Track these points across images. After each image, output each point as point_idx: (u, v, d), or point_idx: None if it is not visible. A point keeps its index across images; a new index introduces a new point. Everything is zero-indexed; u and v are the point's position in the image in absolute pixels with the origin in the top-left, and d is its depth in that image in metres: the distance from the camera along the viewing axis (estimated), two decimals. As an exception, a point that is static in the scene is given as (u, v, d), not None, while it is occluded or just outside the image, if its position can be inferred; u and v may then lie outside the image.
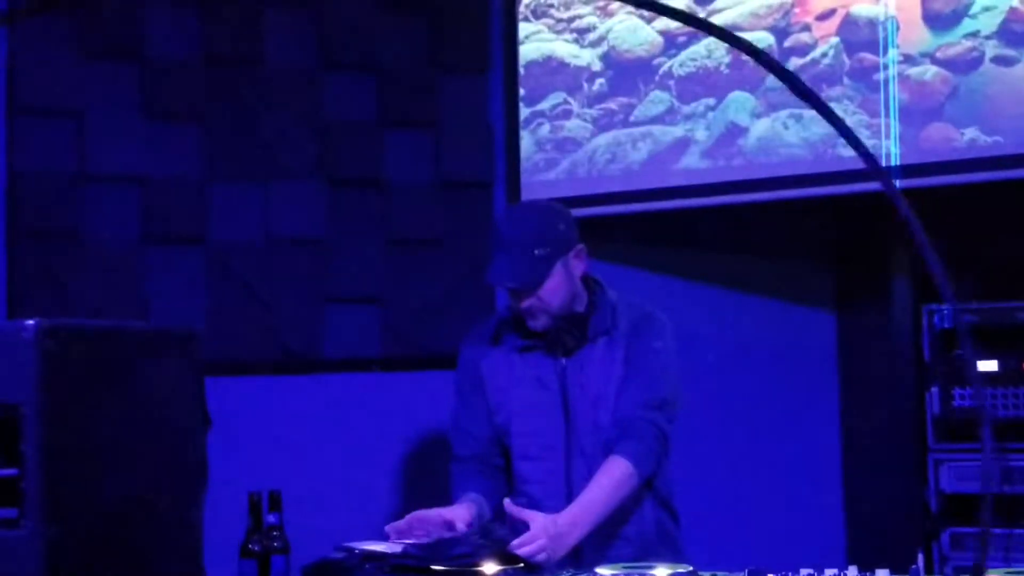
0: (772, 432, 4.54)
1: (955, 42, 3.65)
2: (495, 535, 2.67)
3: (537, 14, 4.24)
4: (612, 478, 2.87)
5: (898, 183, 3.72)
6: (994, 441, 3.97)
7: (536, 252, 2.97)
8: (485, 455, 3.11)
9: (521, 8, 4.25)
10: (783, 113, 3.87)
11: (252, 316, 3.92)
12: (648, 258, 4.38)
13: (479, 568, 2.56)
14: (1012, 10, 3.58)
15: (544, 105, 4.21)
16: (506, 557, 2.63)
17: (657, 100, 4.04)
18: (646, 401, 2.98)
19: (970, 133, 3.63)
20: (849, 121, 3.77)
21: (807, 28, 3.85)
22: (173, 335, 2.82)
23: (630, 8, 4.10)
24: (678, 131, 4.01)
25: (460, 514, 2.87)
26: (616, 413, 2.99)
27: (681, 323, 4.41)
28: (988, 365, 4.04)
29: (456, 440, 3.16)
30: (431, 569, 2.57)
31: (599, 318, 3.06)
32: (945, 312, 4.08)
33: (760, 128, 3.90)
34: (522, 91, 4.23)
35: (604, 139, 4.12)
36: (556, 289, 2.99)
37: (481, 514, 2.95)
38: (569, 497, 2.94)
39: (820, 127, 3.81)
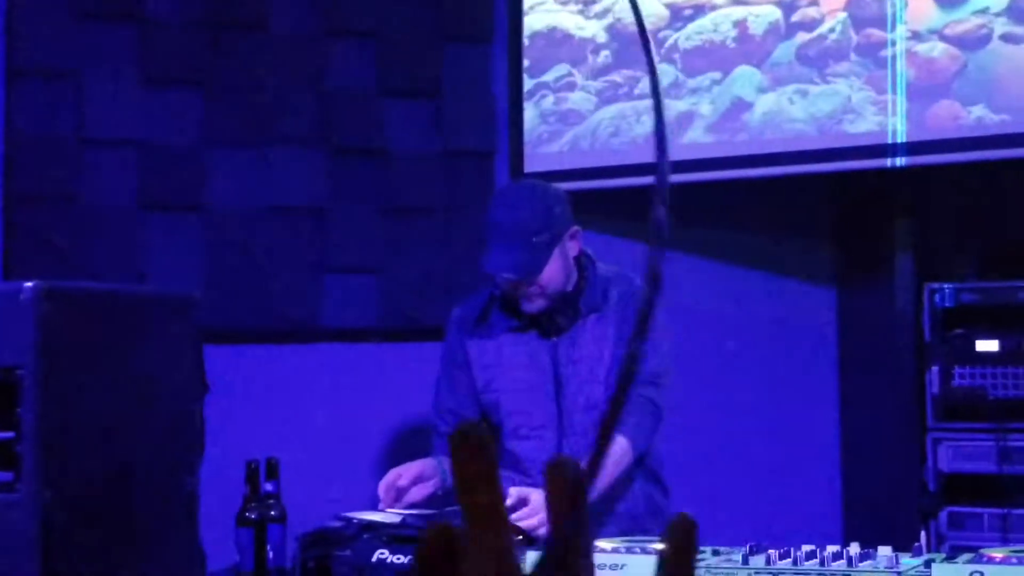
0: (771, 408, 4.52)
1: (964, 19, 3.62)
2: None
3: (542, -16, 4.20)
4: (608, 454, 2.85)
5: (904, 160, 3.70)
6: (994, 421, 3.97)
7: (534, 240, 2.94)
8: None
9: (526, -22, 4.21)
10: (789, 88, 3.84)
11: (250, 284, 3.89)
12: (648, 232, 4.35)
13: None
14: (1022, -13, 3.56)
15: (548, 77, 4.18)
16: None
17: (662, 73, 4.01)
18: (639, 376, 2.95)
19: (977, 111, 3.60)
20: (855, 97, 3.75)
21: (815, 2, 3.81)
22: (172, 300, 2.79)
23: (636, -21, 4.06)
24: (683, 105, 3.98)
25: (426, 470, 2.90)
26: (609, 388, 2.97)
27: (681, 297, 4.40)
28: (989, 344, 4.03)
29: (438, 416, 3.16)
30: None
31: (589, 294, 3.03)
32: (946, 290, 4.07)
33: (765, 103, 3.87)
34: (526, 62, 4.20)
35: (608, 112, 4.09)
36: (554, 274, 2.97)
37: (444, 474, 2.95)
38: (560, 475, 2.92)
39: (826, 103, 3.78)
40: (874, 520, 4.33)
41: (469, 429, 0.72)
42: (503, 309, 3.07)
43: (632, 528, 2.93)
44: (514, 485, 2.82)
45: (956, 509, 4.03)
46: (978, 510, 4.00)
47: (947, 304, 4.08)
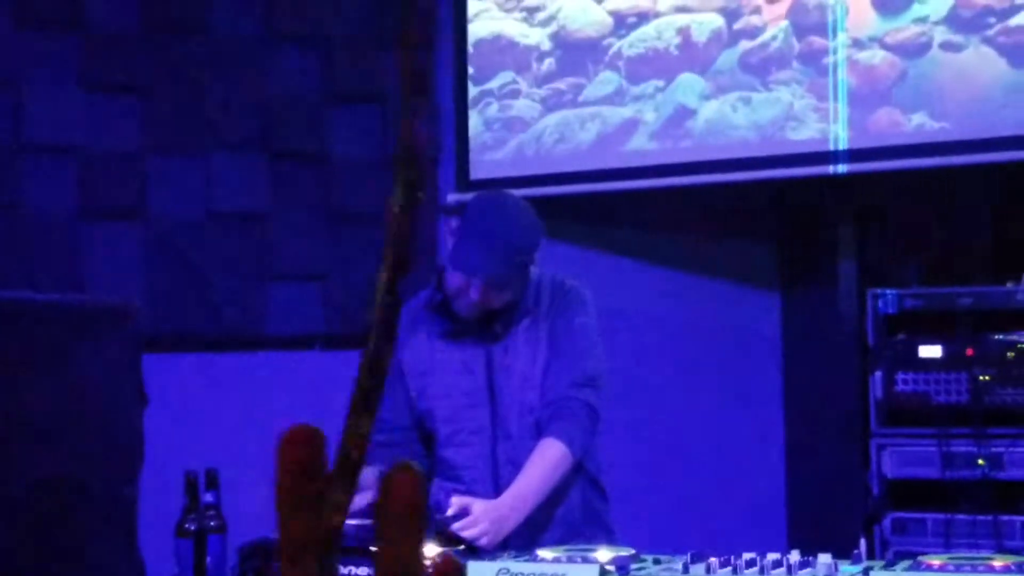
0: (716, 413, 4.53)
1: (904, 27, 3.65)
2: (436, 517, 2.64)
3: (486, -9, 4.20)
4: (547, 460, 2.84)
5: (845, 167, 3.72)
6: (937, 426, 3.99)
7: (516, 258, 2.94)
8: (402, 441, 3.08)
9: (470, -16, 4.21)
10: (732, 96, 3.85)
11: (192, 292, 3.86)
12: (595, 238, 4.36)
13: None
14: (962, -4, 3.58)
15: (493, 84, 4.17)
16: (446, 540, 2.60)
17: (606, 81, 4.01)
18: (574, 379, 2.94)
19: (917, 118, 3.63)
20: (797, 105, 3.77)
21: (757, 11, 3.83)
22: (109, 310, 2.76)
23: (580, -14, 4.07)
24: (627, 112, 3.98)
25: (364, 480, 2.87)
26: (545, 393, 2.96)
27: (626, 302, 4.41)
28: (931, 350, 4.05)
29: (375, 428, 3.12)
30: (367, 550, 2.54)
31: (523, 300, 3.03)
32: (889, 296, 4.09)
33: (709, 110, 3.88)
34: (471, 69, 4.19)
35: (552, 119, 4.09)
36: (515, 295, 2.97)
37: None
38: (496, 481, 2.91)
39: (768, 110, 3.80)
40: (819, 525, 4.36)
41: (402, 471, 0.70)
42: (438, 313, 3.05)
43: (570, 535, 2.92)
44: (447, 492, 2.81)
45: (900, 515, 4.05)
46: (921, 516, 4.02)
47: (890, 310, 4.10)
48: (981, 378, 3.97)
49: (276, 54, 3.97)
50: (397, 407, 3.09)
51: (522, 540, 2.83)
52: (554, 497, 2.96)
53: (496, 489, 2.86)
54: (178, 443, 3.53)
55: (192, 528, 2.72)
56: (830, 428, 4.38)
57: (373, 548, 0.73)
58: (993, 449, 3.92)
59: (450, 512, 2.67)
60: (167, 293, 3.84)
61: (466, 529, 2.64)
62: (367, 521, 2.71)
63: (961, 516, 3.93)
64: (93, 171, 3.78)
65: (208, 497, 2.76)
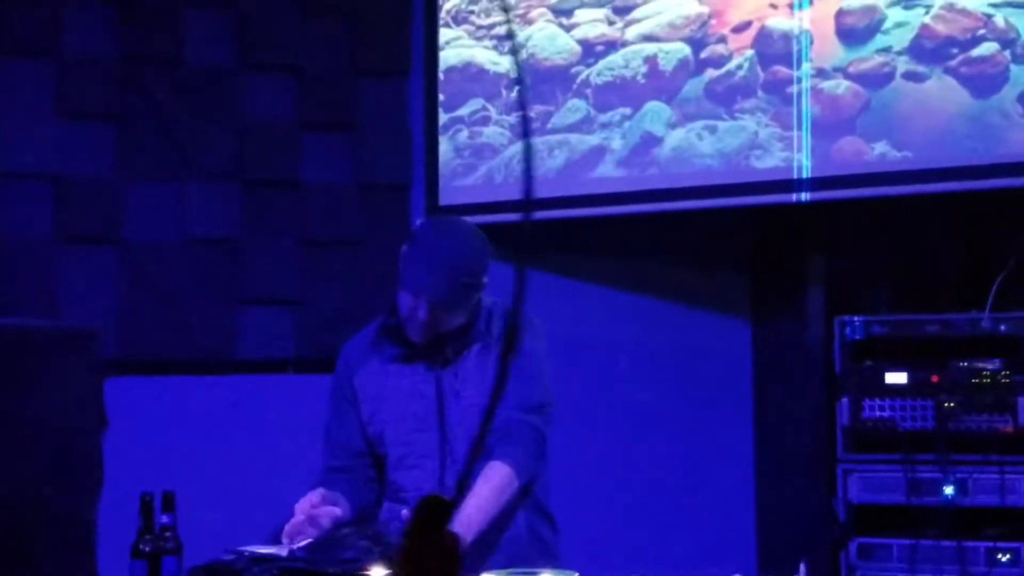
0: (686, 440, 4.56)
1: (867, 57, 3.69)
2: (384, 540, 2.68)
3: (458, 20, 4.25)
4: (493, 484, 2.87)
5: (808, 195, 3.76)
6: (903, 453, 4.02)
7: (463, 279, 2.98)
8: (355, 467, 3.13)
9: (442, 14, 4.25)
10: (697, 124, 3.89)
11: (165, 316, 3.90)
12: (562, 265, 4.40)
13: (367, 573, 2.57)
14: (924, 27, 3.63)
15: (463, 111, 4.22)
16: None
17: (574, 108, 4.06)
18: (522, 404, 2.98)
19: (880, 147, 3.67)
20: (762, 133, 3.81)
21: (723, 40, 3.88)
22: (70, 334, 2.80)
23: (550, 16, 4.12)
24: (594, 140, 4.03)
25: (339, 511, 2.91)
26: (492, 417, 2.99)
27: (595, 329, 4.45)
28: (898, 377, 4.08)
29: (327, 451, 3.18)
30: (319, 573, 2.58)
31: (475, 326, 3.07)
32: (856, 323, 4.13)
33: (675, 138, 3.93)
34: (441, 96, 4.24)
35: (521, 146, 4.14)
36: (461, 318, 3.01)
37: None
38: (441, 504, 2.94)
39: (734, 139, 3.84)
40: (787, 551, 4.38)
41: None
42: (391, 338, 3.09)
43: (515, 560, 2.95)
44: (396, 515, 2.84)
45: (866, 540, 4.08)
46: (887, 541, 4.04)
47: (857, 336, 4.13)
48: (947, 405, 4.00)
49: (249, 82, 4.02)
50: (350, 432, 3.14)
51: (468, 564, 2.86)
52: (500, 521, 2.99)
53: (444, 513, 2.90)
54: (152, 465, 3.57)
55: (147, 550, 2.76)
56: (799, 454, 4.41)
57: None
58: (958, 475, 3.95)
59: (403, 523, 2.70)
60: (141, 317, 3.88)
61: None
62: (317, 542, 2.76)
63: (926, 542, 3.96)
64: (68, 197, 3.82)
65: (165, 519, 2.80)
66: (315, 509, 2.92)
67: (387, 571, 2.59)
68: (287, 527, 2.92)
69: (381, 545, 2.64)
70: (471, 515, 2.84)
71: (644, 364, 4.51)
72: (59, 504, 2.63)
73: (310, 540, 2.76)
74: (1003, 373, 3.95)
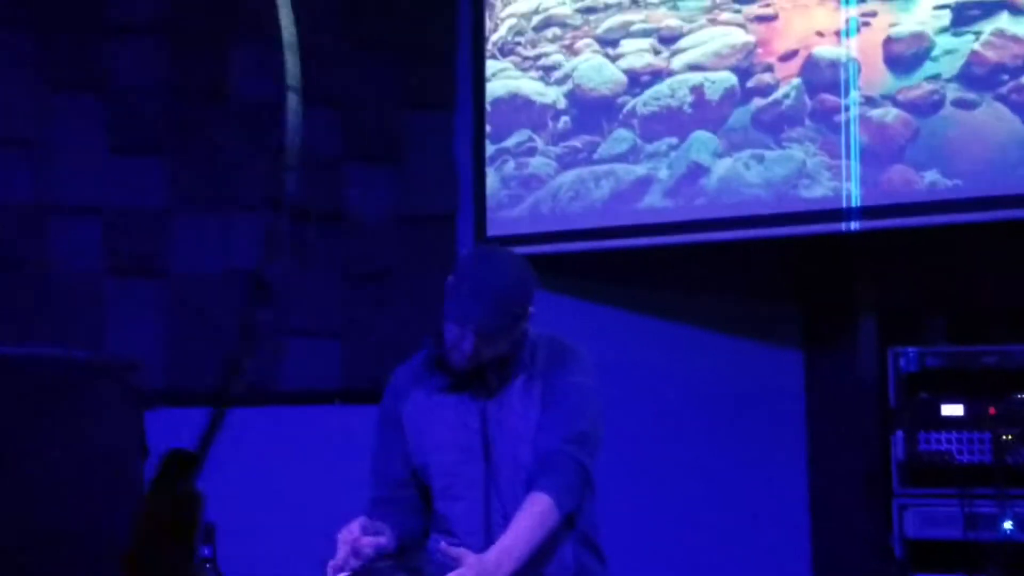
0: (739, 474, 4.51)
1: (916, 84, 3.65)
2: (422, 573, 2.65)
3: (504, 52, 4.25)
4: (533, 515, 2.83)
5: (858, 225, 3.71)
6: (959, 487, 3.94)
7: (508, 308, 2.96)
8: (402, 497, 3.10)
9: (488, 46, 4.26)
10: (745, 153, 3.86)
11: (211, 348, 3.91)
12: (615, 296, 4.37)
13: (404, 604, 2.54)
14: (973, 53, 3.58)
15: (509, 142, 4.21)
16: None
17: (620, 138, 4.04)
18: (564, 435, 2.94)
19: (930, 176, 3.62)
20: (810, 162, 3.77)
21: (770, 68, 3.84)
22: (110, 365, 2.82)
23: (596, 46, 4.11)
24: (641, 170, 4.01)
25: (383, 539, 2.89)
26: (535, 449, 2.96)
27: (646, 360, 4.41)
28: (954, 409, 4.01)
29: (374, 481, 3.16)
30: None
31: (520, 357, 3.04)
32: (911, 354, 4.06)
33: (722, 168, 3.89)
34: (488, 128, 4.24)
35: (568, 176, 4.12)
36: (505, 347, 2.99)
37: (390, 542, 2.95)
38: (487, 535, 2.90)
39: (781, 168, 3.81)
40: (844, 587, 4.32)
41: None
42: (435, 368, 3.08)
43: (561, 595, 2.92)
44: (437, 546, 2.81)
45: (922, 576, 4.01)
46: (944, 577, 3.97)
47: (912, 368, 4.07)
48: (1004, 438, 3.92)
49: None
50: (395, 461, 3.11)
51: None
52: (544, 554, 2.95)
53: (488, 543, 2.86)
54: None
55: (185, 581, 2.75)
56: (854, 489, 4.33)
57: None
58: (1016, 510, 3.87)
59: (442, 554, 2.67)
60: (187, 348, 3.90)
61: (453, 579, 2.64)
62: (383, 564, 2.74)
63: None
64: (117, 229, 3.85)
65: (205, 551, 2.79)
66: (357, 540, 2.90)
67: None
68: (331, 564, 2.90)
69: (418, 574, 2.61)
70: (510, 545, 2.80)
71: (696, 396, 4.47)
72: (98, 532, 2.64)
73: (349, 573, 2.73)
74: (1060, 405, 3.88)
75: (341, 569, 2.83)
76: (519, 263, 3.08)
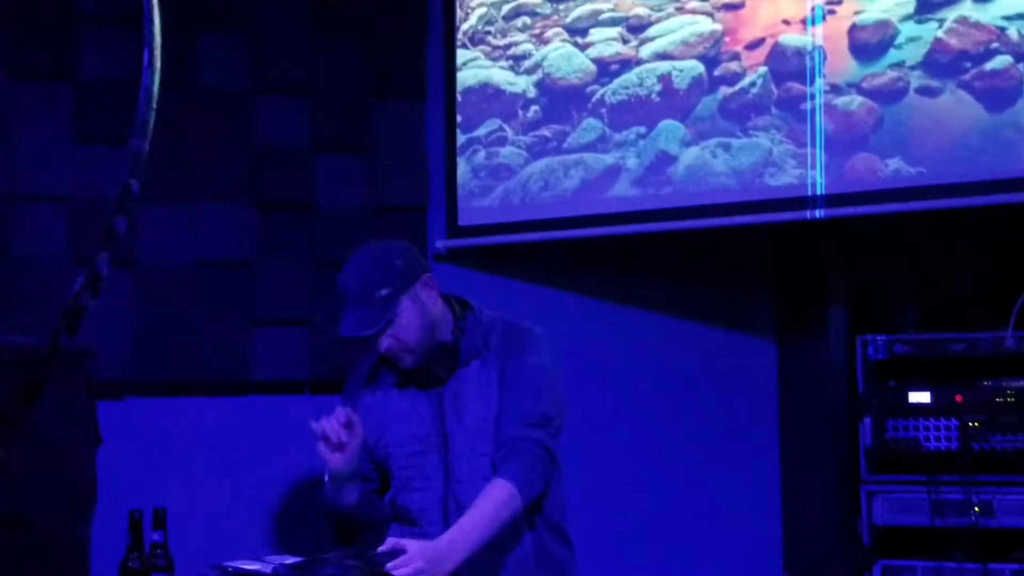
0: (711, 462, 4.51)
1: (881, 72, 3.64)
2: (370, 558, 2.66)
3: (474, 41, 4.25)
4: (492, 501, 2.84)
5: (822, 213, 3.71)
6: (927, 474, 3.95)
7: (377, 294, 2.95)
8: (363, 491, 3.12)
9: (459, 35, 4.26)
10: (712, 142, 3.86)
11: (179, 338, 3.92)
12: (585, 285, 4.38)
13: (351, 590, 2.55)
14: (937, 41, 3.58)
15: (480, 132, 4.22)
16: (381, 579, 2.62)
17: (590, 128, 4.04)
18: (526, 419, 2.94)
19: (894, 163, 3.62)
20: (776, 150, 3.77)
21: (737, 57, 3.84)
22: (63, 353, 2.82)
23: (565, 35, 4.11)
24: (609, 159, 4.01)
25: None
26: (497, 434, 2.97)
27: (619, 350, 4.42)
28: (921, 396, 4.01)
29: None
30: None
31: (468, 341, 3.04)
32: (879, 342, 4.06)
33: (689, 157, 3.90)
34: (459, 117, 4.24)
35: (538, 166, 4.12)
36: (409, 325, 2.97)
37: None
38: (448, 526, 2.92)
39: (748, 156, 3.81)
40: (813, 573, 4.32)
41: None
42: (388, 367, 3.09)
43: (524, 580, 2.93)
44: (403, 536, 2.82)
45: (890, 563, 4.00)
46: (912, 564, 3.97)
47: (880, 356, 4.07)
48: (971, 424, 3.92)
49: (264, 105, 4.04)
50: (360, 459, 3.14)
51: (471, 583, 2.84)
52: (506, 541, 2.96)
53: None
54: (160, 487, 3.58)
55: (135, 567, 2.76)
56: (825, 476, 4.34)
57: None
58: (983, 496, 3.87)
59: (380, 548, 2.68)
60: (156, 339, 3.90)
61: (400, 568, 2.65)
62: (300, 560, 2.75)
63: (951, 564, 3.88)
64: (83, 219, 3.85)
65: (156, 536, 2.80)
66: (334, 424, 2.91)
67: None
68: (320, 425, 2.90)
69: (365, 561, 2.62)
70: (464, 532, 2.81)
71: (668, 386, 4.47)
72: (50, 522, 2.65)
73: (294, 559, 2.75)
74: (1029, 392, 3.88)
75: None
76: (374, 252, 3.05)
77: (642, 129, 3.96)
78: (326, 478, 2.99)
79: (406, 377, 3.06)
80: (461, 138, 4.23)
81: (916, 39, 3.60)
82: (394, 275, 2.96)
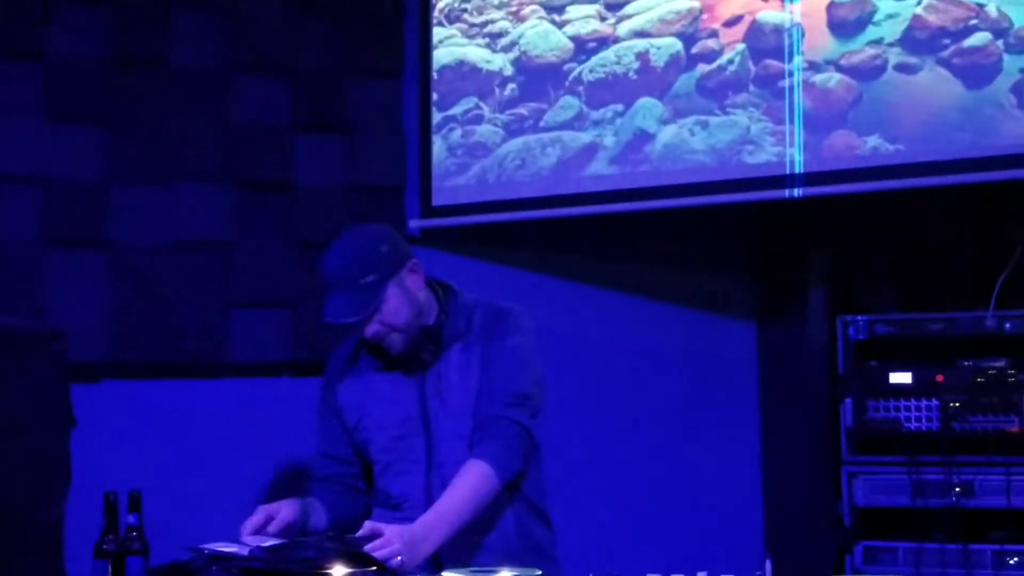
0: (691, 442, 4.50)
1: (859, 49, 3.62)
2: (345, 541, 2.64)
3: (451, 18, 4.22)
4: (468, 482, 2.82)
5: (801, 191, 3.70)
6: (907, 454, 3.94)
7: (363, 280, 2.93)
8: (342, 476, 3.12)
9: (435, 13, 4.23)
10: (689, 120, 3.84)
11: (155, 319, 3.88)
12: (564, 266, 4.36)
13: (327, 571, 2.53)
14: (915, 17, 3.56)
15: (456, 110, 4.19)
16: (357, 560, 2.59)
17: (567, 105, 4.02)
18: (503, 399, 2.92)
19: (872, 141, 3.60)
20: (754, 128, 3.75)
21: (714, 34, 3.82)
22: (35, 334, 2.79)
23: (542, 13, 4.08)
24: (587, 137, 3.98)
25: (283, 511, 2.88)
26: (475, 414, 2.95)
27: (598, 331, 4.40)
28: (902, 377, 4.01)
29: (316, 462, 3.17)
30: (278, 571, 2.54)
31: (451, 325, 3.02)
32: (860, 323, 4.05)
33: (667, 135, 3.87)
34: (435, 95, 4.21)
35: (514, 144, 4.10)
36: (396, 310, 2.95)
37: (306, 514, 2.94)
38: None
39: (726, 134, 3.79)
40: (794, 554, 4.31)
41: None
42: (371, 352, 3.07)
43: (503, 560, 2.90)
44: (385, 521, 2.79)
45: (871, 543, 4.00)
46: (893, 544, 3.97)
47: (860, 336, 4.06)
48: (952, 405, 3.92)
49: (240, 83, 4.00)
50: (335, 442, 3.12)
51: (448, 562, 2.82)
52: (485, 522, 2.94)
53: (429, 514, 2.85)
54: (138, 469, 3.55)
55: (110, 549, 2.74)
56: (805, 457, 4.33)
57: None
58: (963, 477, 3.87)
59: (359, 533, 2.67)
60: (131, 320, 3.87)
61: (377, 550, 2.63)
62: (278, 542, 2.73)
63: (932, 545, 3.88)
64: (56, 199, 3.81)
65: (131, 519, 2.77)
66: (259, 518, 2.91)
67: (347, 570, 2.55)
68: (246, 524, 2.90)
69: (341, 544, 2.60)
70: (441, 513, 2.79)
71: (647, 367, 4.46)
72: (24, 503, 2.62)
73: (273, 541, 2.72)
74: (1008, 372, 3.87)
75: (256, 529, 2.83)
76: (360, 236, 3.04)
77: (619, 107, 3.94)
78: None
79: (391, 363, 3.03)
80: (437, 116, 4.20)
81: (894, 16, 3.58)
82: (380, 261, 2.95)
